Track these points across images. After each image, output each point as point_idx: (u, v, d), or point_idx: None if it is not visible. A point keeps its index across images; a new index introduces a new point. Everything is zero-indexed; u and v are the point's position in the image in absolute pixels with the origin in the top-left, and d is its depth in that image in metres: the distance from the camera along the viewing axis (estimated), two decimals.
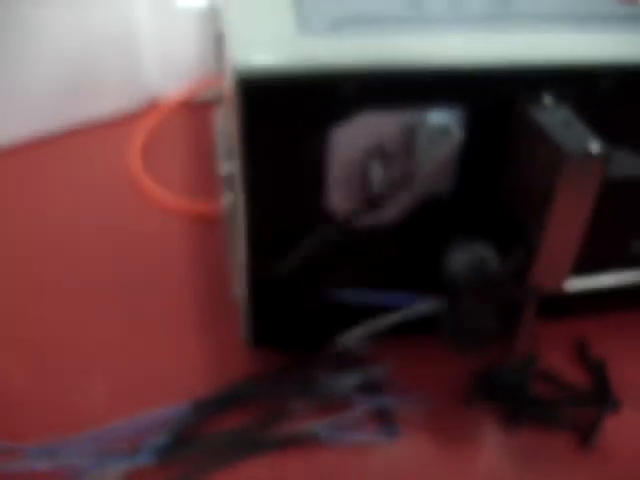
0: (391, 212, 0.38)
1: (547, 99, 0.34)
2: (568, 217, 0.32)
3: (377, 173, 0.36)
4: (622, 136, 0.35)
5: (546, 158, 0.32)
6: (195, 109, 0.65)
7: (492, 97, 0.34)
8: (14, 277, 0.50)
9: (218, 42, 0.38)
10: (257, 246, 0.38)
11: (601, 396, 0.43)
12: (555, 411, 0.42)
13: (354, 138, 0.35)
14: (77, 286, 0.49)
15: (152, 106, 0.66)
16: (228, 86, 0.34)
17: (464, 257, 0.36)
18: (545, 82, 0.34)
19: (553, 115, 0.33)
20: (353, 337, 0.37)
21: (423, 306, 0.37)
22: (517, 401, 0.42)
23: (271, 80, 0.32)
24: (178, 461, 0.38)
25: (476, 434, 0.41)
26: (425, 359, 0.44)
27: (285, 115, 0.33)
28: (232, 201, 0.38)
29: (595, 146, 0.31)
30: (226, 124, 0.38)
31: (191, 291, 0.49)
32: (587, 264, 0.36)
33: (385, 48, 0.34)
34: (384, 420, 0.41)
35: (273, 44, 0.34)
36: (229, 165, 0.36)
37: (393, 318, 0.37)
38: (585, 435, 0.41)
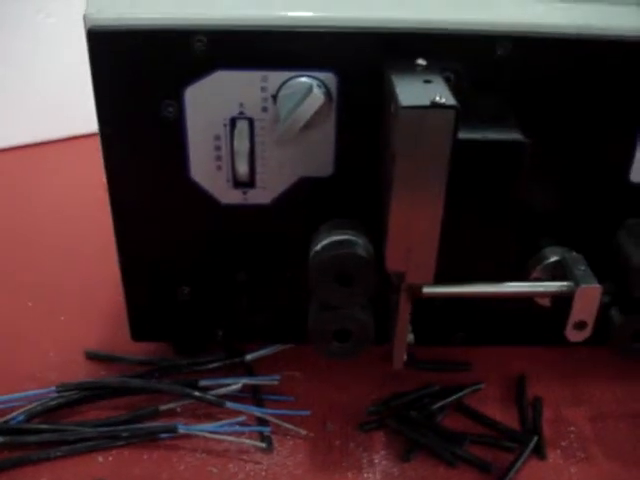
0: (268, 192, 0.34)
1: (420, 61, 0.30)
2: (415, 183, 0.27)
3: (241, 141, 0.33)
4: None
5: (393, 117, 0.28)
6: None
7: (361, 62, 0.31)
8: None
9: None
10: (122, 220, 0.35)
11: (527, 437, 0.36)
12: (460, 447, 0.36)
13: (212, 99, 0.32)
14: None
15: None
16: None
17: (328, 244, 0.32)
18: (417, 47, 0.30)
19: (416, 76, 0.29)
20: None
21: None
22: (418, 431, 0.36)
23: (119, 32, 0.31)
24: (20, 443, 0.35)
25: (361, 462, 0.35)
26: (329, 377, 0.40)
27: (136, 70, 0.31)
28: None
29: (441, 98, 0.26)
30: None
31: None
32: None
33: (241, 4, 0.32)
34: (259, 432, 0.36)
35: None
36: None
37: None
38: (496, 476, 0.34)
